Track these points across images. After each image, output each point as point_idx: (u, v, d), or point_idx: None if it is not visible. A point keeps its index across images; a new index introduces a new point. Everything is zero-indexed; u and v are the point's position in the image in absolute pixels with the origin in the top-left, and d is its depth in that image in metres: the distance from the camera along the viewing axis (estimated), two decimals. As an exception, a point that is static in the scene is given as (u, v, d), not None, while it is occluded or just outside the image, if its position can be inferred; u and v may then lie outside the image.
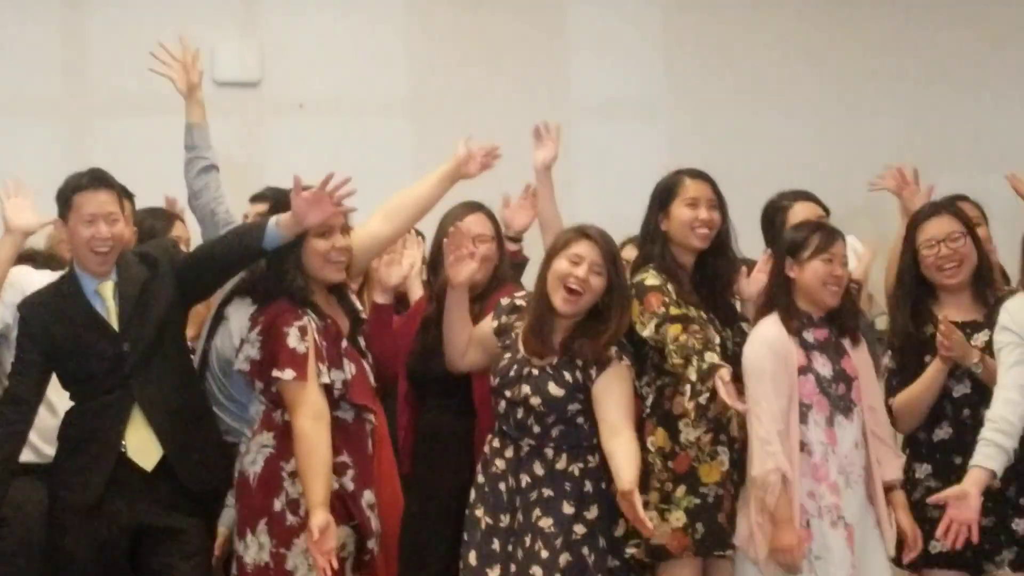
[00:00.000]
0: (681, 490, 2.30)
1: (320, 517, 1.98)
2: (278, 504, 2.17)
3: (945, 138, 3.98)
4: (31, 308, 2.32)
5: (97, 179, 2.32)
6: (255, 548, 2.20)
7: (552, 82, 3.95)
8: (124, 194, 2.47)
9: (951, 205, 2.63)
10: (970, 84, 4.15)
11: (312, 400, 2.12)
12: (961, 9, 4.16)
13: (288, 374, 2.10)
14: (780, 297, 2.34)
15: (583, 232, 2.29)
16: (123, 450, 2.26)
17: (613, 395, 2.24)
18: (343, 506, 2.18)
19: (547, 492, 2.25)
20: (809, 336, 2.31)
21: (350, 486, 2.19)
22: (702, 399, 2.25)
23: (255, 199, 2.96)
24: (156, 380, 2.32)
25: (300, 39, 3.93)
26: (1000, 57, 4.17)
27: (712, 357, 2.18)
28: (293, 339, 2.12)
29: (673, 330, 2.25)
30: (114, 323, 2.26)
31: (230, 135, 3.43)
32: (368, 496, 2.23)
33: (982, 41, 4.16)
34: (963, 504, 2.17)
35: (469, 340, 2.39)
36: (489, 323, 2.38)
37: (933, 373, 2.34)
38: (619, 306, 2.29)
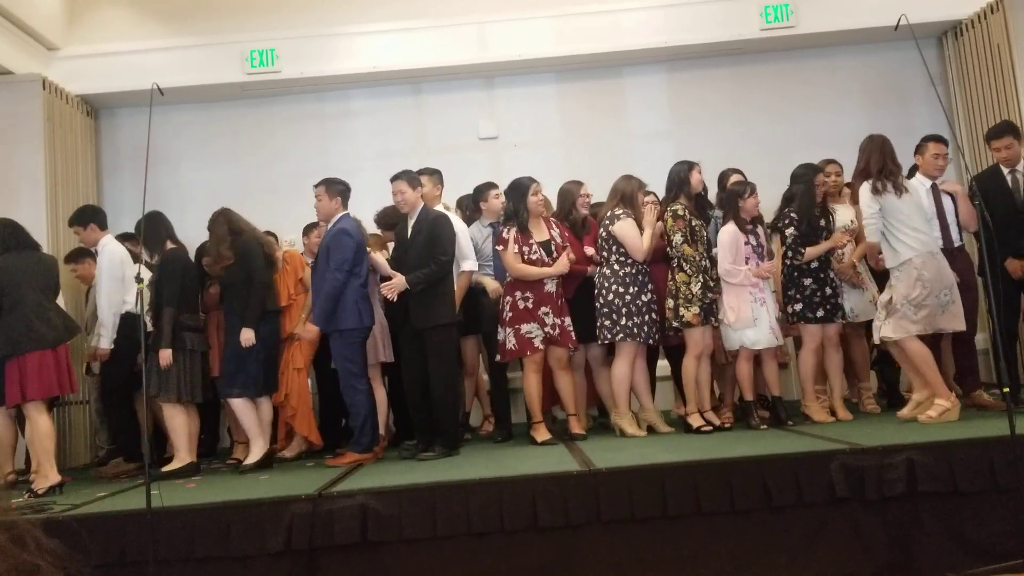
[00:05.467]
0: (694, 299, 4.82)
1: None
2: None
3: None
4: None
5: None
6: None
7: (616, 125, 7.12)
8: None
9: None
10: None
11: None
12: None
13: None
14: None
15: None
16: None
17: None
18: None
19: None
20: None
21: None
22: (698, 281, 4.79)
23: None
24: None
25: (513, 116, 7.24)
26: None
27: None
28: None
29: (687, 249, 4.84)
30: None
31: (485, 161, 6.86)
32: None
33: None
34: None
35: None
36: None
37: None
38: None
